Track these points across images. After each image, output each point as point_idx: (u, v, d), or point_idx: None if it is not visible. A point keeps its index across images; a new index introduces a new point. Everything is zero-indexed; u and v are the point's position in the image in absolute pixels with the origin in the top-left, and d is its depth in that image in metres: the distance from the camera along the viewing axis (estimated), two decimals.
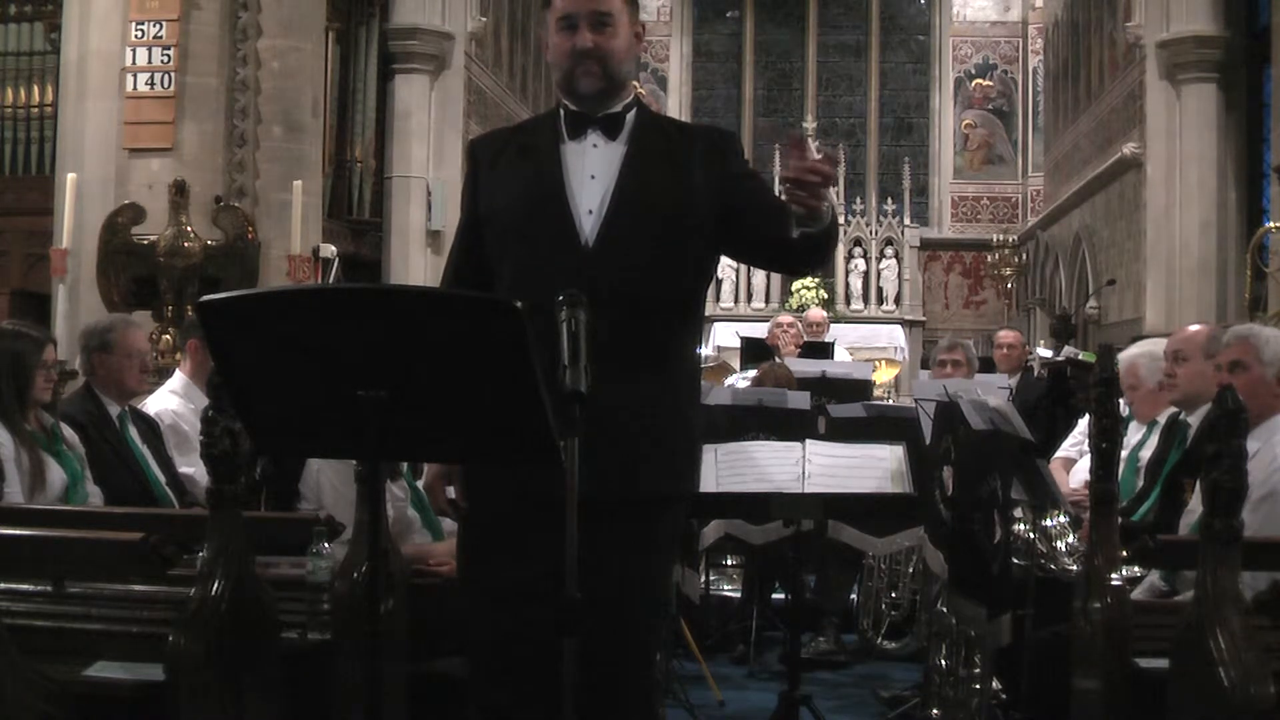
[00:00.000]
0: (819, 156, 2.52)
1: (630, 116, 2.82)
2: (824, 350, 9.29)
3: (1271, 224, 9.55)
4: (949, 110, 21.14)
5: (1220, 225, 11.77)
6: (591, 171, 2.77)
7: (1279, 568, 3.08)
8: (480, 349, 2.20)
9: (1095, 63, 15.27)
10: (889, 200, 20.40)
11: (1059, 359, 8.95)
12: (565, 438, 2.21)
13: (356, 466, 3.28)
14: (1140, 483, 4.57)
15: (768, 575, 6.02)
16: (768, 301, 19.10)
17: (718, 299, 18.71)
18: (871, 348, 16.47)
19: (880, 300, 19.94)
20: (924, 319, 20.05)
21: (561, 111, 2.84)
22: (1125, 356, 4.92)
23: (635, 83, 2.92)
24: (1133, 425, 4.96)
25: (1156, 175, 12.30)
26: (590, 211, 2.73)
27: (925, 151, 21.33)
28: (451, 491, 2.84)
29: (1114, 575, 3.05)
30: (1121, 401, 5.14)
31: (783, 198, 2.64)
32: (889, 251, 20.07)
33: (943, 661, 4.42)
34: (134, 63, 7.39)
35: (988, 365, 8.13)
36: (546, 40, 2.90)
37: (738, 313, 18.49)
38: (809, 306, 15.07)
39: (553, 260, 2.68)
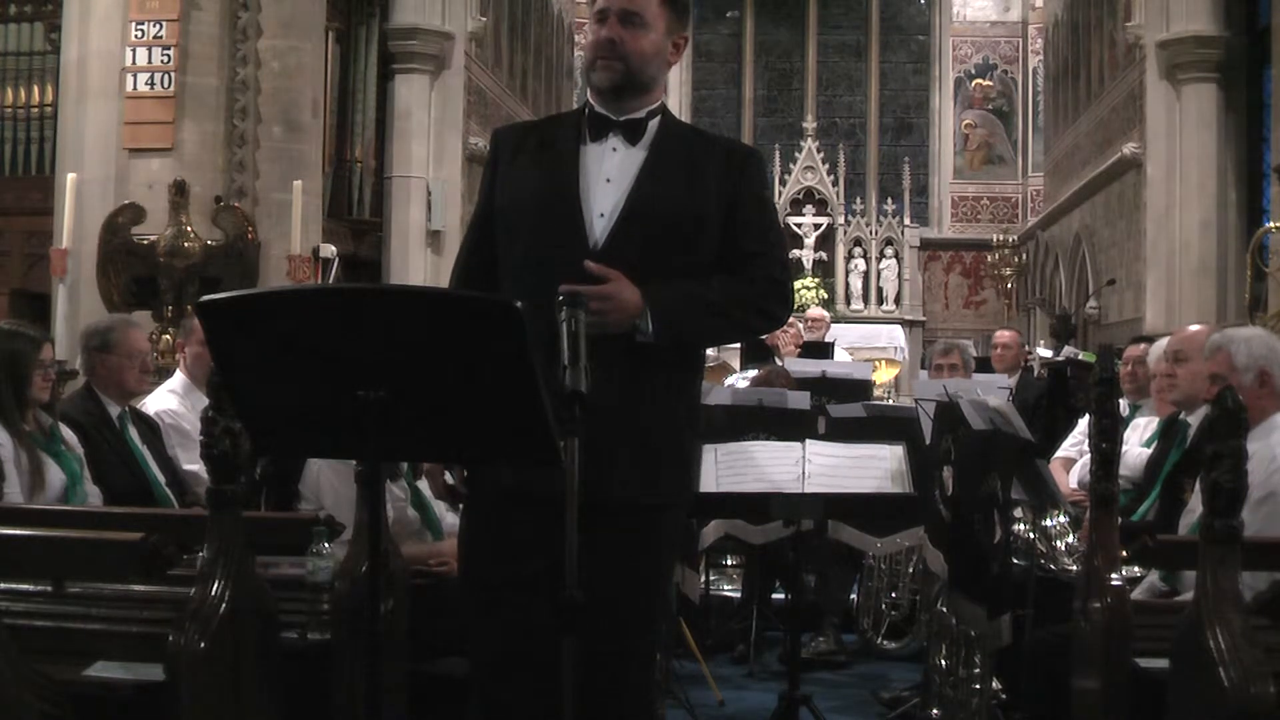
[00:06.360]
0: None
1: (654, 123, 2.81)
2: (824, 350, 9.30)
3: (1271, 224, 9.54)
4: (949, 110, 21.14)
5: (1220, 225, 11.77)
6: (608, 175, 2.76)
7: (1279, 568, 3.08)
8: (480, 349, 2.20)
9: (1095, 63, 15.27)
10: (889, 200, 20.44)
11: (1059, 359, 8.96)
12: (565, 438, 2.21)
13: (356, 466, 3.28)
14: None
15: (768, 575, 6.02)
16: None
17: None
18: (871, 348, 16.47)
19: (880, 300, 19.96)
20: (924, 319, 20.07)
21: (586, 111, 2.84)
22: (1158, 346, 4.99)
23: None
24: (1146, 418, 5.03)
25: (1156, 175, 12.30)
26: (602, 215, 2.73)
27: (925, 151, 21.35)
28: (450, 477, 2.84)
29: (1114, 575, 3.05)
30: (1123, 402, 5.18)
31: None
32: (889, 251, 20.11)
33: (943, 661, 4.41)
34: (134, 63, 7.39)
35: (989, 365, 8.13)
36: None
37: None
38: (809, 306, 15.05)
39: (560, 261, 2.67)
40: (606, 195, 2.74)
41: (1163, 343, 4.99)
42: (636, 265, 2.66)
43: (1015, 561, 4.22)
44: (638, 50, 2.76)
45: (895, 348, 17.47)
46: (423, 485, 4.02)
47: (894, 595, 5.74)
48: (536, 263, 2.72)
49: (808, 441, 4.06)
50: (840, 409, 5.45)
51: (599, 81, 2.78)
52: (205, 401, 3.01)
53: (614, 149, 2.78)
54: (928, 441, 4.83)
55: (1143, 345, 5.63)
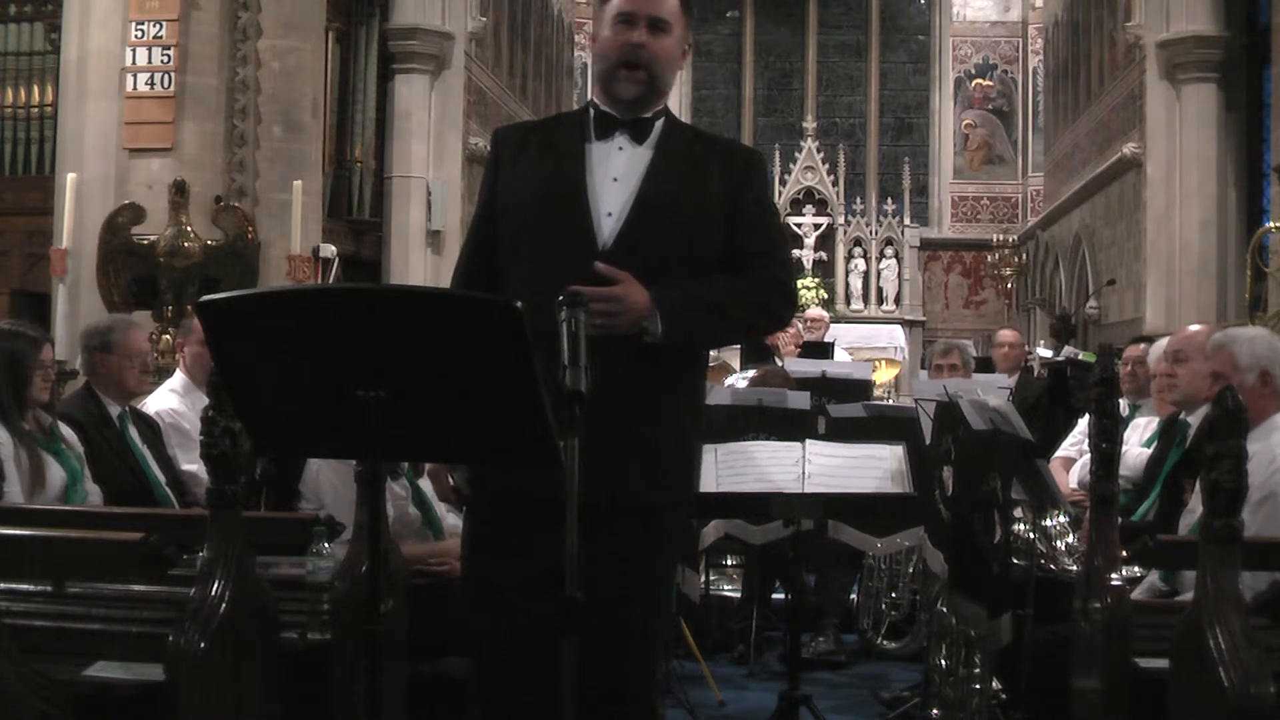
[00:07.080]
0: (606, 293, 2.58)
1: (659, 124, 2.82)
2: (824, 350, 9.29)
3: (1271, 224, 9.55)
4: (949, 110, 21.15)
5: (1220, 225, 11.78)
6: (615, 174, 2.76)
7: (1279, 568, 3.08)
8: (480, 349, 2.20)
9: (1095, 63, 15.27)
10: (889, 200, 20.44)
11: (1059, 359, 8.95)
12: (565, 438, 2.21)
13: (356, 466, 3.28)
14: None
15: (768, 575, 6.02)
16: None
17: None
18: (871, 348, 16.46)
19: (880, 300, 19.97)
20: (924, 319, 20.08)
21: (591, 111, 2.83)
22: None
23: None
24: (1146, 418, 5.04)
25: (1156, 175, 12.31)
26: (610, 214, 2.72)
27: (925, 151, 21.35)
28: (454, 480, 2.84)
29: (1114, 575, 3.05)
30: (1123, 402, 5.18)
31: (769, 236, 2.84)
32: (889, 251, 20.12)
33: (943, 661, 4.41)
34: (134, 63, 7.40)
35: (989, 365, 8.13)
36: (598, 34, 2.88)
37: None
38: (808, 306, 15.05)
39: (567, 261, 2.66)
40: (614, 194, 2.74)
41: (1163, 343, 4.99)
42: (644, 265, 2.66)
43: (1015, 561, 4.22)
44: (660, 55, 2.77)
45: (895, 348, 17.46)
46: (423, 484, 4.02)
47: (894, 595, 5.74)
48: (543, 262, 2.71)
49: (808, 441, 4.07)
50: (840, 409, 5.45)
51: (626, 94, 2.77)
52: (205, 401, 3.01)
53: (620, 148, 2.79)
54: (928, 441, 4.83)
55: (1143, 345, 5.64)
